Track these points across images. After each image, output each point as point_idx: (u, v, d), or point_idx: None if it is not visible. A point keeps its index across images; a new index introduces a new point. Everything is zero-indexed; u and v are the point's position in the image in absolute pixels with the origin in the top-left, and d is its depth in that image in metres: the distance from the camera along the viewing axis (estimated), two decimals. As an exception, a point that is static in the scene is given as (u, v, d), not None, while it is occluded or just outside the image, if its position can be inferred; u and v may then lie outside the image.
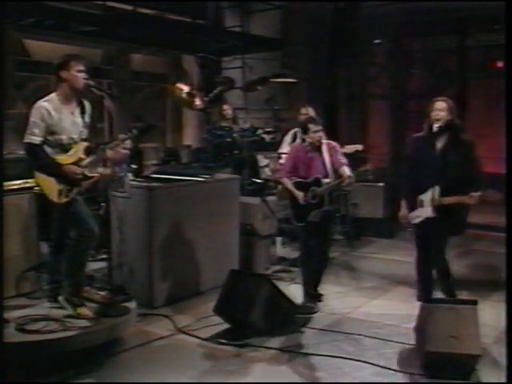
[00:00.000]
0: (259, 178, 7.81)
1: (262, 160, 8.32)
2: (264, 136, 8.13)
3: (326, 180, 5.58)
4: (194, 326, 5.18)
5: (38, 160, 4.57)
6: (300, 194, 5.59)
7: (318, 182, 5.60)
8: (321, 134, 5.71)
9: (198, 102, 7.76)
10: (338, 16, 10.35)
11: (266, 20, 10.54)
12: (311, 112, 7.30)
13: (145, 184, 5.94)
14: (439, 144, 5.09)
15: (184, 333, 5.06)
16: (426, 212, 5.10)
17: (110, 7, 8.35)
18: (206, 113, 8.05)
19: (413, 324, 4.81)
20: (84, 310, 4.61)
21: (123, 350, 4.65)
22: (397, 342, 4.83)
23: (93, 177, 4.68)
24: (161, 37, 9.64)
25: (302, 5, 10.33)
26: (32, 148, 4.51)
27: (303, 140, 5.84)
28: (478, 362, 4.22)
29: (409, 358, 4.53)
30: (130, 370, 4.37)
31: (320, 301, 5.79)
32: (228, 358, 4.57)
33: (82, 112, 4.75)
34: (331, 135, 7.56)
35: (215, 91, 8.15)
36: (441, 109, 5.01)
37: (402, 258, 7.56)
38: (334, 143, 5.87)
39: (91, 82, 4.69)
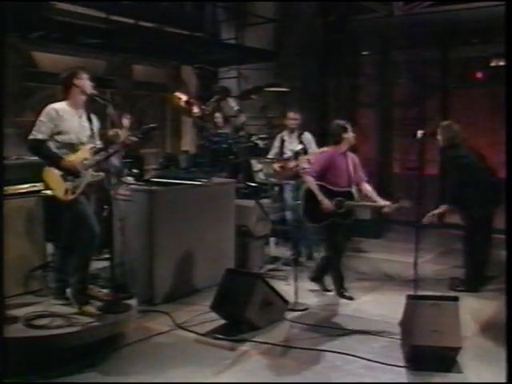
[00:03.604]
0: (253, 182, 7.82)
1: (256, 165, 8.32)
2: (258, 142, 8.13)
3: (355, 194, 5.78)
4: (191, 321, 5.18)
5: (40, 154, 4.59)
6: (328, 203, 5.63)
7: (349, 195, 5.69)
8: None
9: (195, 110, 7.76)
10: (328, 29, 10.37)
11: (260, 33, 10.53)
12: (298, 117, 7.36)
13: (145, 187, 5.93)
14: None
15: (182, 328, 5.05)
16: None
17: (112, 21, 8.35)
18: (203, 120, 8.05)
19: (399, 319, 4.82)
20: (88, 308, 4.61)
21: (125, 345, 4.64)
22: (384, 336, 4.85)
23: (97, 175, 4.72)
24: (161, 48, 9.64)
25: (294, 18, 10.34)
26: (35, 143, 4.53)
27: (337, 142, 5.83)
28: (459, 354, 4.25)
29: (395, 351, 4.54)
30: (131, 363, 4.36)
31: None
32: (224, 352, 4.57)
33: (89, 120, 4.79)
34: (322, 142, 7.61)
35: (212, 100, 8.16)
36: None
37: (389, 257, 7.60)
38: (354, 155, 5.93)
39: (95, 92, 4.73)
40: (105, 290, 4.90)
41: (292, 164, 7.14)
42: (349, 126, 5.83)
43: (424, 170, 8.94)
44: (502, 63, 9.02)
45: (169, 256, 5.78)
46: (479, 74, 9.58)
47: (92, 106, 4.88)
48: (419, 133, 5.16)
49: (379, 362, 4.33)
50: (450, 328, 4.21)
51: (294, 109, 7.53)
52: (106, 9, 8.30)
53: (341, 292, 5.96)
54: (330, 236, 5.83)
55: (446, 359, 4.25)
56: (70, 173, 4.56)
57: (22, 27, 7.35)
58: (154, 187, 5.92)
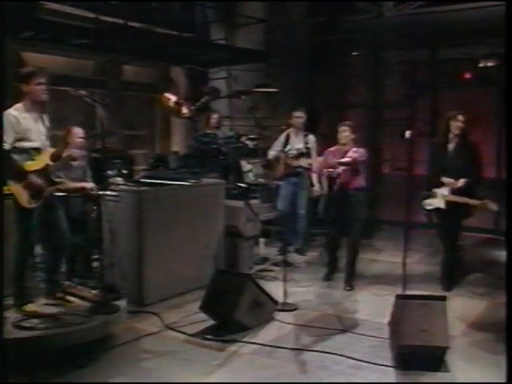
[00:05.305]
0: (243, 183, 7.85)
1: (246, 165, 8.35)
2: (247, 143, 8.17)
3: None
4: (181, 322, 5.20)
5: (5, 166, 4.39)
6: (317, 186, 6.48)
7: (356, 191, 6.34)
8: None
9: (185, 110, 7.76)
10: (319, 29, 10.42)
11: (250, 33, 10.54)
12: (304, 115, 7.44)
13: (135, 188, 5.94)
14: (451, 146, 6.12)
15: (172, 329, 5.07)
16: (438, 203, 6.03)
17: (102, 21, 8.34)
18: (193, 121, 8.06)
19: (387, 319, 4.86)
20: (30, 307, 4.62)
21: (115, 346, 4.64)
22: (372, 336, 4.87)
23: (59, 182, 4.71)
24: (150, 49, 9.63)
25: (284, 19, 10.37)
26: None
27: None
28: (447, 353, 4.28)
29: (384, 350, 4.57)
30: (120, 364, 4.37)
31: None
32: (213, 353, 4.58)
33: (42, 122, 4.67)
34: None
35: (202, 100, 8.17)
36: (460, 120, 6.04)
37: (378, 258, 7.64)
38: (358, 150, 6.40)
39: (83, 92, 4.73)
40: (94, 291, 4.91)
41: (294, 163, 7.32)
42: (344, 126, 6.32)
43: (413, 171, 8.99)
44: (490, 64, 9.12)
45: (158, 257, 5.78)
46: (468, 75, 9.67)
47: (82, 107, 4.89)
48: (407, 133, 5.19)
49: (368, 362, 4.36)
50: (437, 327, 4.24)
51: (301, 108, 7.60)
52: (96, 9, 8.29)
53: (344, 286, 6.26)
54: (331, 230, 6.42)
55: (434, 358, 4.27)
56: (32, 186, 4.47)
57: (12, 27, 7.32)
58: (143, 188, 5.93)
